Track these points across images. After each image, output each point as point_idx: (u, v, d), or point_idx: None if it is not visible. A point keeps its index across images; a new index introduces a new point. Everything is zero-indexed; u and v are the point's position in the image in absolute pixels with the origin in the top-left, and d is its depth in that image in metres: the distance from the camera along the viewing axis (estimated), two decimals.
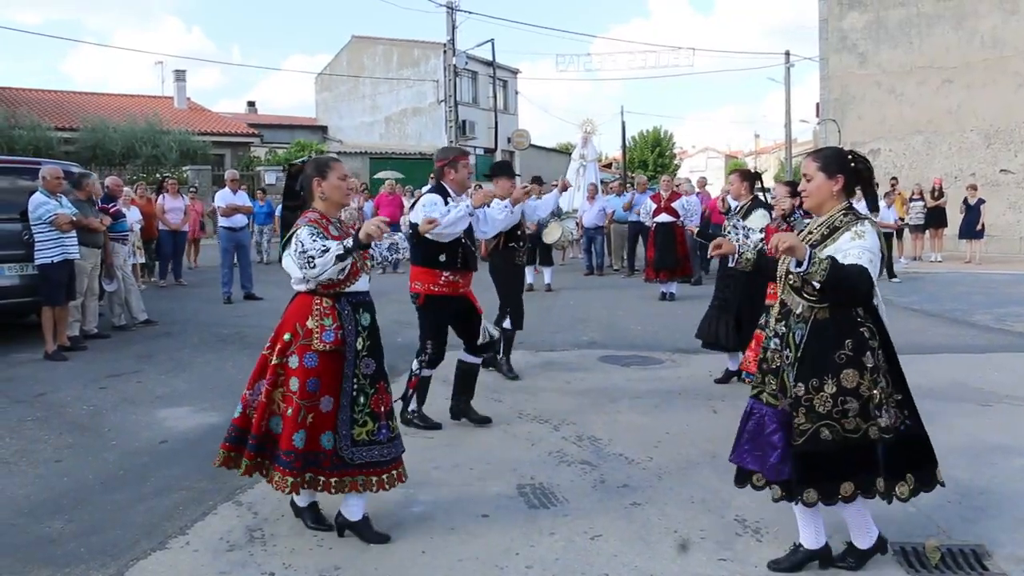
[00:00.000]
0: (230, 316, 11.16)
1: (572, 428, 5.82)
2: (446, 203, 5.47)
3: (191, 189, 16.38)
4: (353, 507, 3.96)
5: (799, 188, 3.63)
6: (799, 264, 3.17)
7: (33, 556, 3.88)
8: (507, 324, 7.50)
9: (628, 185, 19.55)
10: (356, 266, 3.85)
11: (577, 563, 3.71)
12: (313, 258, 3.63)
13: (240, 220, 12.87)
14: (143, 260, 14.21)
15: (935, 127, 21.73)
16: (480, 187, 6.54)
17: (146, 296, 11.49)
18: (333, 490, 3.84)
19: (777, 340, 3.52)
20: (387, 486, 3.93)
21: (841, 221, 3.39)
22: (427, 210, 5.32)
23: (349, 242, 3.64)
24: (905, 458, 3.40)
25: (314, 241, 3.68)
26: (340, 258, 3.63)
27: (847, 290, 3.24)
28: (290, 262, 3.79)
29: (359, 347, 3.86)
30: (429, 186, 19.50)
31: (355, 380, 3.84)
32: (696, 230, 7.07)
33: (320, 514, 4.12)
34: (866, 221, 3.36)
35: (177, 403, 6.70)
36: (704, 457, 5.08)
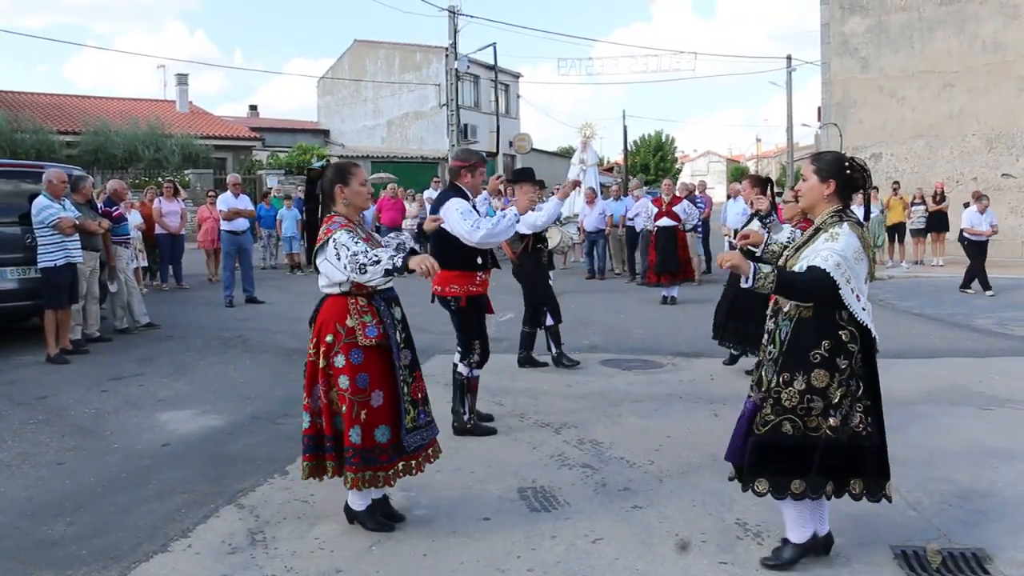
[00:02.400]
0: (232, 320, 11.17)
1: (573, 431, 5.83)
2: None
3: (209, 193, 16.03)
4: (357, 496, 4.08)
5: (796, 188, 3.68)
6: (746, 280, 3.31)
7: (35, 558, 3.89)
8: (549, 321, 8.02)
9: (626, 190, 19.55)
10: None
11: (578, 566, 3.71)
12: (365, 265, 3.75)
13: (242, 224, 12.88)
14: (145, 264, 14.22)
15: (937, 131, 21.71)
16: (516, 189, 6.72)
17: (148, 300, 11.51)
18: (392, 483, 4.01)
19: (766, 336, 3.61)
20: (422, 467, 4.14)
21: (825, 224, 3.46)
22: (465, 218, 5.35)
23: (399, 261, 3.75)
24: (857, 463, 3.44)
25: (357, 244, 3.81)
26: (388, 272, 3.74)
27: (801, 295, 3.37)
28: (328, 266, 3.89)
29: (399, 340, 4.01)
30: (432, 189, 19.41)
31: (400, 371, 3.99)
32: (731, 230, 7.34)
33: (378, 515, 4.15)
34: (845, 223, 3.39)
35: (179, 406, 6.71)
36: (705, 460, 5.08)
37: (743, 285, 3.35)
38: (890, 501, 3.58)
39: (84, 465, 5.27)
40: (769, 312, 3.65)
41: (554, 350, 8.10)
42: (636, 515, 4.30)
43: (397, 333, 4.01)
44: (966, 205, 17.33)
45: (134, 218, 12.60)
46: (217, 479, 4.96)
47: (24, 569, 3.78)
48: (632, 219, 16.00)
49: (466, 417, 5.79)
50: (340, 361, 3.88)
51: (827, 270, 3.26)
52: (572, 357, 8.11)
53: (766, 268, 3.33)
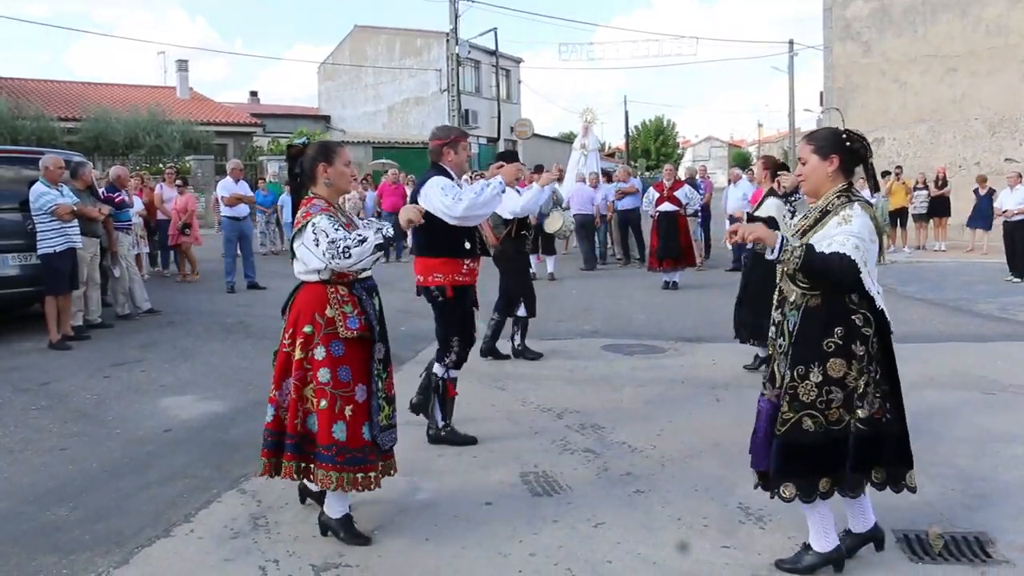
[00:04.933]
0: (233, 305, 11.17)
1: (575, 416, 5.83)
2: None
3: (177, 182, 15.06)
4: (336, 502, 3.84)
5: (796, 173, 3.55)
6: (772, 251, 3.14)
7: (38, 543, 3.90)
8: (521, 311, 7.71)
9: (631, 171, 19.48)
10: None
11: (580, 550, 3.71)
12: (348, 248, 3.51)
13: (243, 209, 12.86)
14: (147, 250, 14.21)
15: (939, 116, 21.63)
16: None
17: (149, 286, 11.51)
18: (378, 484, 3.78)
19: (774, 328, 3.43)
20: (391, 472, 3.96)
21: (833, 205, 3.27)
22: (446, 192, 4.90)
23: (389, 231, 3.57)
24: (877, 453, 3.29)
25: (337, 231, 3.56)
26: (379, 247, 3.55)
27: (827, 278, 3.15)
28: (306, 251, 3.66)
29: (379, 330, 3.80)
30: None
31: (375, 366, 3.77)
32: (744, 215, 7.21)
33: (353, 526, 3.86)
34: (856, 204, 3.22)
35: (181, 392, 6.71)
36: (707, 445, 5.08)
37: (768, 256, 3.17)
38: (914, 492, 3.45)
39: (87, 451, 5.28)
40: (775, 302, 3.45)
41: (518, 341, 7.83)
42: (638, 499, 4.31)
43: (380, 325, 3.81)
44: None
45: (137, 204, 12.58)
46: (219, 464, 4.96)
47: (28, 554, 3.79)
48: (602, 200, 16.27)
49: (440, 423, 5.27)
50: (320, 353, 3.64)
51: (851, 256, 3.08)
52: (535, 350, 7.83)
53: (795, 242, 3.15)
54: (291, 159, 3.93)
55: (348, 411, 3.65)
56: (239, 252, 12.84)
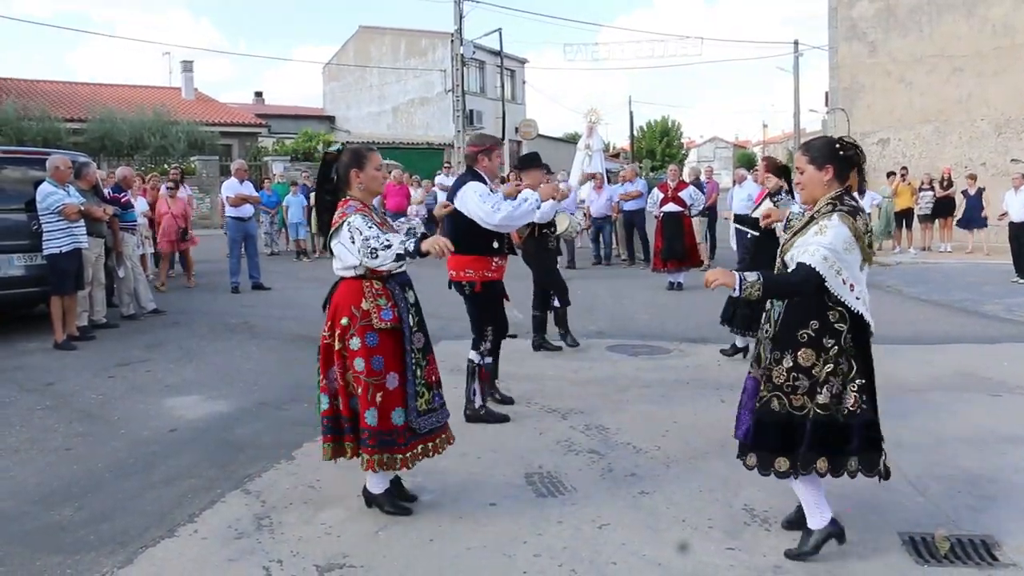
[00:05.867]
0: (238, 306, 11.18)
1: (580, 417, 5.82)
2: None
3: (168, 184, 13.97)
4: (376, 479, 4.11)
5: (796, 182, 3.67)
6: (733, 291, 3.35)
7: (43, 543, 3.90)
8: (556, 303, 8.21)
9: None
10: None
11: (585, 551, 3.71)
12: (376, 250, 3.82)
13: (248, 210, 12.87)
14: (152, 250, 14.22)
15: (945, 116, 21.58)
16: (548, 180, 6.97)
17: (154, 286, 11.52)
18: (410, 465, 4.01)
19: (764, 315, 3.68)
20: (440, 449, 4.18)
21: (820, 213, 3.47)
22: (484, 200, 5.36)
23: (411, 245, 3.81)
24: (844, 441, 3.44)
25: (370, 229, 3.86)
26: (399, 257, 3.82)
27: (791, 294, 3.45)
28: (342, 249, 3.95)
29: (411, 323, 4.03)
30: (444, 175, 19.42)
31: (412, 355, 4.00)
32: (731, 214, 7.34)
33: (395, 498, 4.18)
34: (835, 215, 3.38)
35: (186, 392, 6.72)
36: (712, 446, 5.07)
37: (732, 295, 3.44)
38: (886, 477, 3.57)
39: (92, 451, 5.28)
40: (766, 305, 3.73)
41: (558, 330, 8.31)
42: (643, 500, 4.30)
43: (410, 316, 4.04)
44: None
45: (140, 205, 12.59)
46: (224, 465, 4.96)
47: (32, 554, 3.79)
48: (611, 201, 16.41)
49: (477, 404, 5.75)
50: (355, 343, 3.91)
51: (813, 265, 3.31)
52: (575, 339, 8.27)
53: (751, 276, 3.36)
54: (326, 165, 4.21)
55: (379, 397, 3.91)
56: (244, 252, 12.85)
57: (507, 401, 6.07)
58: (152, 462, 5.05)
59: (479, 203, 5.36)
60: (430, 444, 4.10)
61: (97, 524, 4.12)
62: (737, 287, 3.33)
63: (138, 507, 4.33)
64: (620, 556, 3.66)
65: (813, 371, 3.41)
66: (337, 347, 3.97)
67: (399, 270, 4.04)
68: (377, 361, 3.91)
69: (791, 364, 3.42)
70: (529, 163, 6.77)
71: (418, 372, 4.03)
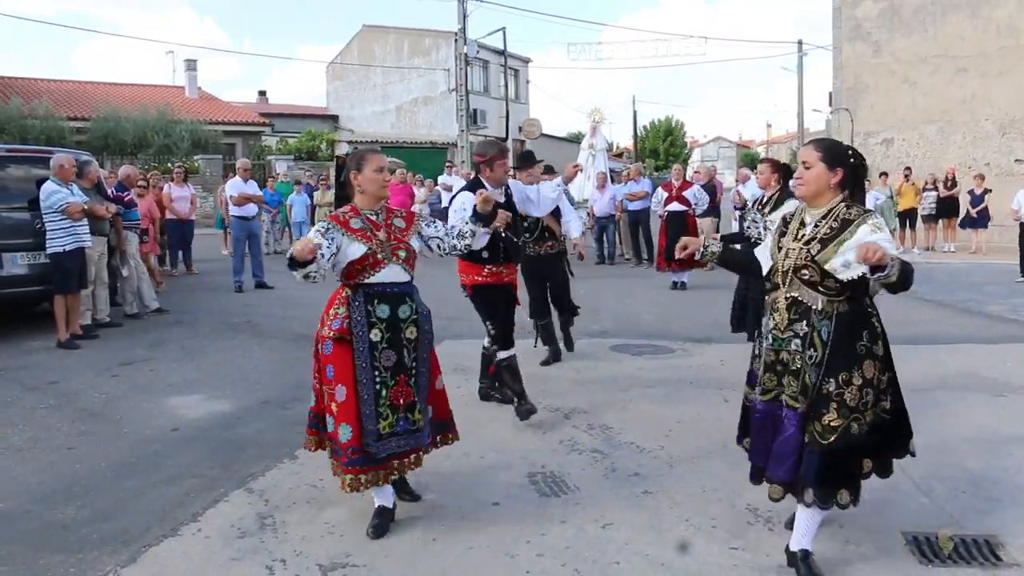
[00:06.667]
0: (241, 305, 11.18)
1: (583, 417, 5.82)
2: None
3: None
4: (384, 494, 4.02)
5: (797, 175, 3.51)
6: (880, 270, 3.01)
7: (46, 542, 3.91)
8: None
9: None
10: (377, 258, 3.85)
11: (588, 551, 3.70)
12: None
13: (251, 209, 12.88)
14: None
15: (949, 116, 21.55)
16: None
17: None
18: (348, 488, 3.79)
19: (798, 341, 3.34)
20: (397, 473, 3.98)
21: (851, 214, 3.30)
22: (454, 213, 5.48)
23: (309, 261, 3.60)
24: (896, 435, 3.44)
25: (320, 237, 3.74)
26: (291, 267, 3.61)
27: (906, 287, 3.13)
28: None
29: (375, 339, 3.81)
30: (447, 174, 19.45)
31: (376, 372, 3.81)
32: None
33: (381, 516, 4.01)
34: (871, 215, 3.28)
35: (189, 391, 6.72)
36: (715, 446, 5.06)
37: (871, 276, 3.09)
38: (913, 455, 3.58)
39: (94, 449, 5.28)
40: (790, 315, 3.37)
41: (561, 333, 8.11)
42: (646, 500, 4.29)
43: (374, 331, 3.81)
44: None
45: (144, 204, 12.58)
46: (226, 464, 4.97)
47: (35, 553, 3.79)
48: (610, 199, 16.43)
49: (480, 386, 6.22)
50: (324, 348, 3.87)
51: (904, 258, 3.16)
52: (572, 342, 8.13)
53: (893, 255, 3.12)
54: (338, 170, 4.20)
55: (334, 407, 3.82)
56: (247, 251, 12.86)
57: (508, 401, 6.04)
58: (155, 461, 5.05)
59: (451, 216, 5.52)
60: (382, 472, 3.87)
61: (100, 523, 4.12)
62: (889, 267, 2.97)
63: (141, 506, 4.33)
64: (623, 556, 3.65)
65: (875, 381, 3.29)
66: (315, 349, 3.95)
67: (369, 280, 3.84)
68: (330, 370, 3.81)
69: (861, 380, 3.24)
70: (523, 160, 6.80)
71: (384, 392, 3.81)
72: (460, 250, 4.29)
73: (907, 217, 18.59)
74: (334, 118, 42.29)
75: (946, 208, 18.58)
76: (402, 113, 39.77)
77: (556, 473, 4.70)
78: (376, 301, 3.85)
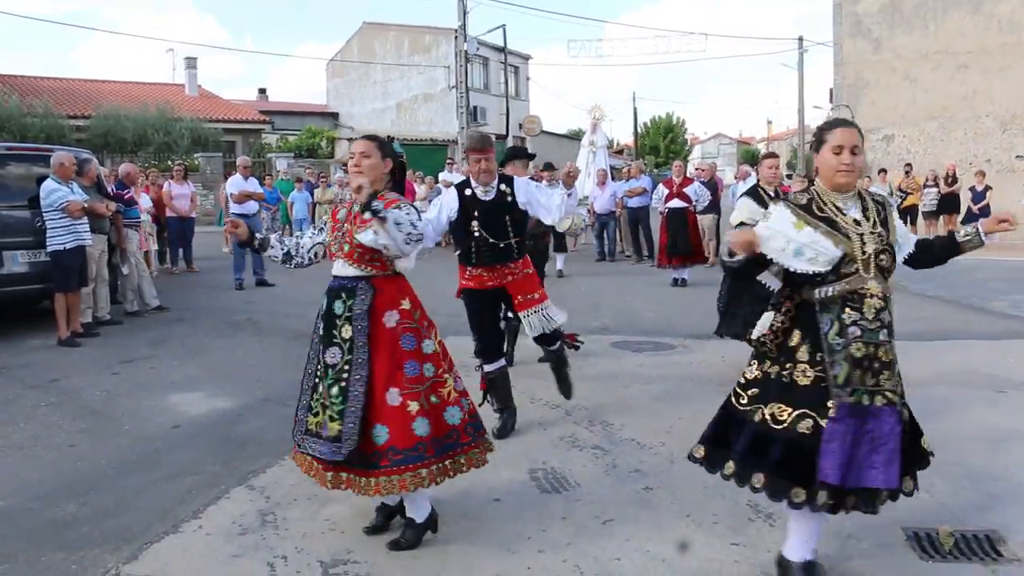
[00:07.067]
0: (242, 302, 11.19)
1: (584, 413, 5.81)
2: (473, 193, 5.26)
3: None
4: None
5: (844, 162, 3.17)
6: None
7: (47, 540, 3.91)
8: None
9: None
10: (331, 250, 3.80)
11: (589, 547, 3.70)
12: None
13: (252, 206, 12.87)
14: (155, 247, 14.25)
15: (950, 113, 21.55)
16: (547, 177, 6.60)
17: (158, 283, 11.53)
18: (309, 473, 3.75)
19: (885, 331, 3.14)
20: (328, 486, 3.68)
21: (875, 196, 3.30)
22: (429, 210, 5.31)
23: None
24: None
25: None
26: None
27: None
28: None
29: (321, 332, 3.70)
30: (447, 171, 19.37)
31: (318, 366, 3.69)
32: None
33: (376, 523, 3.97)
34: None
35: (190, 388, 6.72)
36: None
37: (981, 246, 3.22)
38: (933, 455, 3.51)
39: (96, 447, 5.29)
40: (877, 303, 3.13)
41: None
42: (647, 496, 4.29)
43: (320, 323, 3.71)
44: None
45: (144, 202, 12.60)
46: (228, 461, 4.97)
47: (36, 550, 3.80)
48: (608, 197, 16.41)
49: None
50: None
51: None
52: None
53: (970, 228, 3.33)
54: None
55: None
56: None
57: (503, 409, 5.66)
58: (156, 458, 5.05)
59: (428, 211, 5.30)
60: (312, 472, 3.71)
61: (101, 520, 4.12)
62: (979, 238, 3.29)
63: (142, 503, 4.33)
64: (624, 552, 3.65)
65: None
66: None
67: (336, 272, 3.73)
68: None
69: (898, 367, 3.17)
70: (515, 155, 6.55)
71: (320, 388, 3.64)
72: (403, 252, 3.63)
73: (907, 213, 18.58)
74: (334, 115, 42.24)
75: (947, 204, 18.57)
76: (402, 110, 39.72)
77: (557, 469, 4.70)
78: (326, 293, 3.76)
